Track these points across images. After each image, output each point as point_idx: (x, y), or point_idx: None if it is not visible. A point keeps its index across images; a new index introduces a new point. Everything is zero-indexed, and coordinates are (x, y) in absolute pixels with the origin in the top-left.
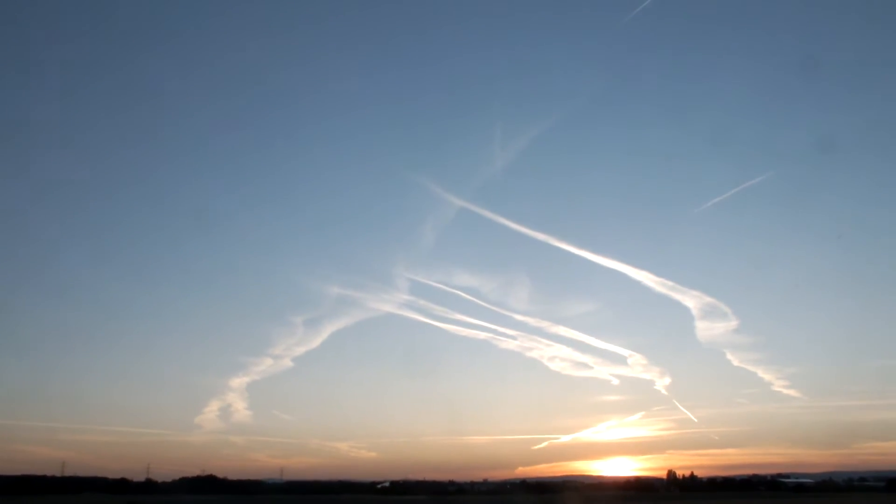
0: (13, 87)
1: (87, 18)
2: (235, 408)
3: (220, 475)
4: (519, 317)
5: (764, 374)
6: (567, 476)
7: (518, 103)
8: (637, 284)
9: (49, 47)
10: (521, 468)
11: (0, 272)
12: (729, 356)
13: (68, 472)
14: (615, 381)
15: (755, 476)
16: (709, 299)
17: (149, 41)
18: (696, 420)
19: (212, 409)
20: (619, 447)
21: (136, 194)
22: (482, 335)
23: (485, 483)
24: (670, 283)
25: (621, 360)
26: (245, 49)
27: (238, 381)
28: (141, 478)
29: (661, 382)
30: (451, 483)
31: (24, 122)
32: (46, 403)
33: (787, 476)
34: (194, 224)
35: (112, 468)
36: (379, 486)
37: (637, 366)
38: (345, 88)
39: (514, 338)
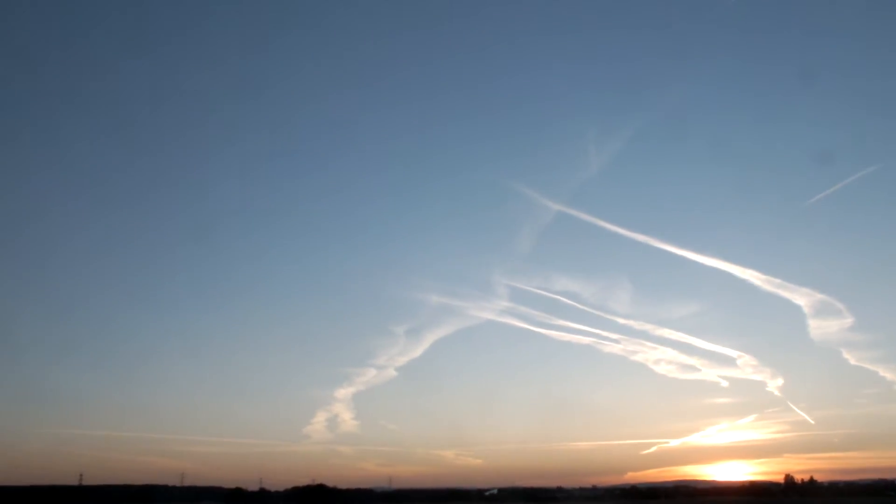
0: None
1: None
2: (342, 418)
3: (329, 484)
4: (622, 320)
5: (885, 373)
6: (678, 481)
7: (611, 103)
8: (743, 283)
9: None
10: (630, 473)
11: (108, 290)
12: (846, 355)
13: (187, 482)
14: (724, 384)
15: (881, 480)
16: (821, 296)
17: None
18: (812, 422)
19: (319, 420)
20: (731, 451)
21: (236, 218)
22: (585, 340)
23: (593, 489)
24: (778, 281)
25: (730, 362)
26: (339, 55)
27: (343, 392)
28: (254, 487)
29: (774, 384)
30: (559, 489)
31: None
32: (165, 416)
33: None
34: (300, 238)
35: (227, 478)
36: (486, 493)
37: (747, 367)
38: (438, 97)
39: (617, 342)
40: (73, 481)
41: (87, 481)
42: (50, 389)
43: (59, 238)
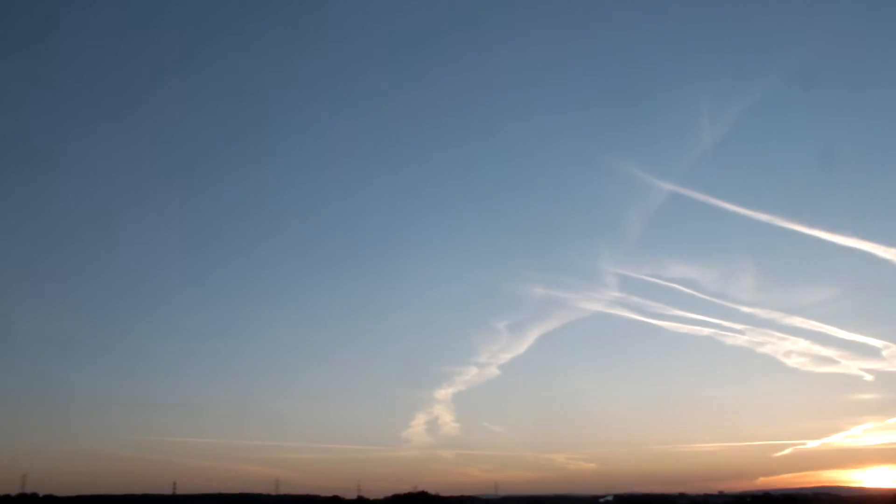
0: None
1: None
2: (443, 420)
3: (431, 491)
4: (746, 308)
5: None
6: (819, 487)
7: (725, 71)
8: (887, 264)
9: None
10: (762, 478)
11: (209, 299)
12: None
13: (282, 491)
14: (868, 377)
15: None
16: None
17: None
18: None
19: (419, 423)
20: (882, 454)
21: (332, 213)
22: (705, 331)
23: (720, 495)
24: None
25: (874, 353)
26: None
27: (443, 393)
28: (352, 495)
29: None
30: (682, 495)
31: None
32: (259, 422)
33: None
34: (396, 236)
35: (323, 485)
36: (601, 499)
37: (895, 358)
38: (538, 77)
39: (741, 332)
40: (167, 490)
41: (181, 490)
42: (145, 397)
43: (165, 252)
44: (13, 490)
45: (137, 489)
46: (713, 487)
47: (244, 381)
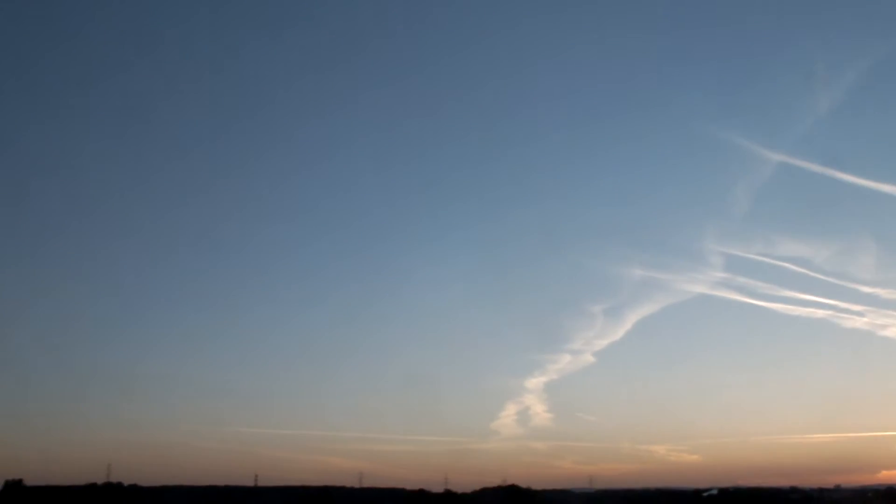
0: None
1: None
2: (534, 411)
3: (522, 485)
4: (866, 288)
5: None
6: None
7: (842, 29)
8: None
9: None
10: (884, 472)
11: (287, 290)
12: None
13: (366, 484)
14: None
15: None
16: None
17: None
18: None
19: (509, 414)
20: None
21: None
22: (820, 313)
23: (837, 489)
24: None
25: None
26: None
27: (535, 382)
28: (439, 488)
29: None
30: (794, 489)
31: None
32: (342, 413)
33: None
34: (485, 216)
35: (409, 479)
36: (705, 493)
37: None
38: (633, 40)
39: (860, 314)
40: (249, 482)
41: (263, 482)
42: (227, 388)
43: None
44: (99, 479)
45: (220, 481)
46: (829, 481)
47: (327, 371)
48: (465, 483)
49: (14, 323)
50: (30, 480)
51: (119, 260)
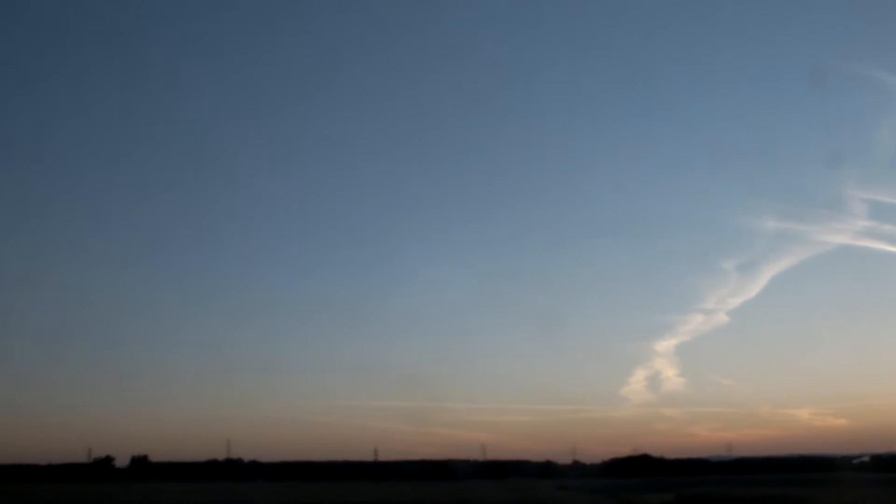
0: None
1: None
2: (665, 375)
3: (654, 454)
4: None
5: None
6: None
7: None
8: None
9: None
10: None
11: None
12: None
13: (490, 456)
14: None
15: None
16: None
17: None
18: None
19: (638, 380)
20: None
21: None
22: None
23: None
24: None
25: None
26: None
27: (665, 345)
28: (567, 459)
29: None
30: None
31: None
32: (463, 384)
33: None
34: (606, 168)
35: (535, 450)
36: (855, 460)
37: None
38: None
39: None
40: (369, 456)
41: (383, 456)
42: (345, 362)
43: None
44: (220, 455)
45: (339, 456)
46: None
47: (446, 342)
48: (593, 453)
49: (132, 304)
50: (154, 457)
51: (241, 250)
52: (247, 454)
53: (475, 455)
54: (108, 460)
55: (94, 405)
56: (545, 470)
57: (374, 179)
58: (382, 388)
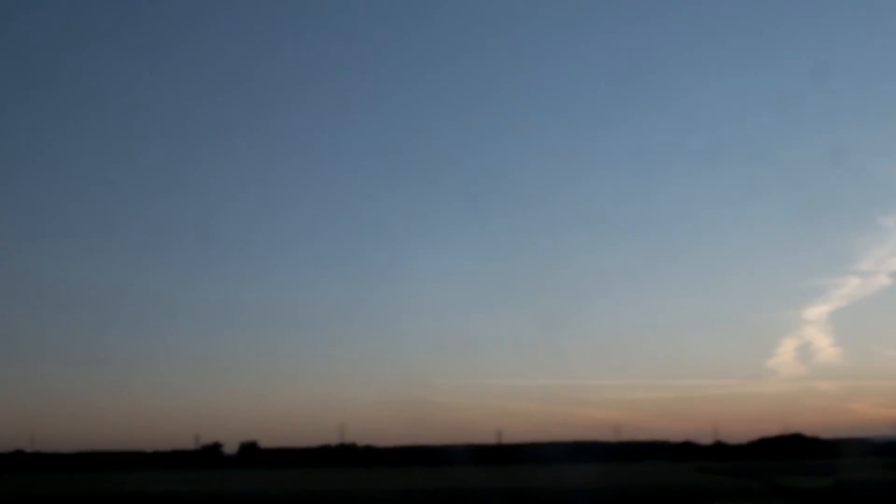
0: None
1: None
2: (817, 345)
3: (807, 433)
4: None
5: None
6: None
7: None
8: None
9: None
10: None
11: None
12: None
13: (623, 437)
14: None
15: None
16: None
17: None
18: None
19: (786, 350)
20: None
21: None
22: None
23: None
24: None
25: None
26: None
27: (816, 312)
28: (708, 439)
29: None
30: None
31: None
32: (592, 359)
33: None
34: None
35: (674, 429)
36: None
37: None
38: None
39: None
40: (491, 439)
41: (507, 438)
42: (464, 337)
43: None
44: (333, 441)
45: (460, 439)
46: None
47: (575, 312)
48: (738, 432)
49: (238, 286)
50: (264, 443)
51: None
52: (361, 439)
53: (607, 436)
54: (215, 447)
55: (201, 390)
56: (684, 451)
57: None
58: (506, 365)
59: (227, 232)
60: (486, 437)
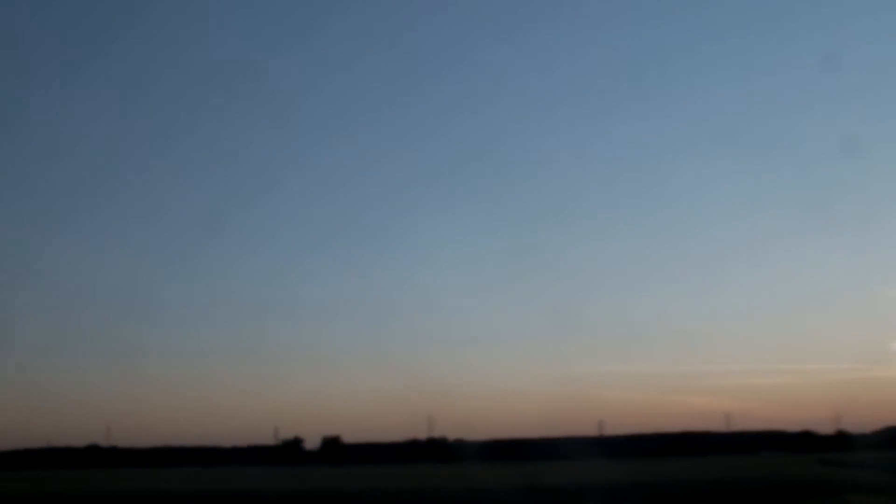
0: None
1: None
2: None
3: None
4: None
5: None
6: None
7: None
8: None
9: None
10: None
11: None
12: None
13: (734, 427)
14: None
15: None
16: None
17: None
18: None
19: None
20: None
21: None
22: None
23: None
24: None
25: None
26: None
27: None
28: (829, 429)
29: None
30: None
31: None
32: (706, 343)
33: None
34: None
35: (790, 418)
36: None
37: None
38: None
39: None
40: (592, 430)
41: (609, 430)
42: (559, 322)
43: None
44: (421, 435)
45: (558, 431)
46: None
47: (682, 292)
48: (863, 421)
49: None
50: (348, 438)
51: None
52: (452, 433)
53: (718, 426)
54: (296, 442)
55: (279, 382)
56: (802, 441)
57: None
58: (607, 351)
59: (324, 227)
60: (586, 428)
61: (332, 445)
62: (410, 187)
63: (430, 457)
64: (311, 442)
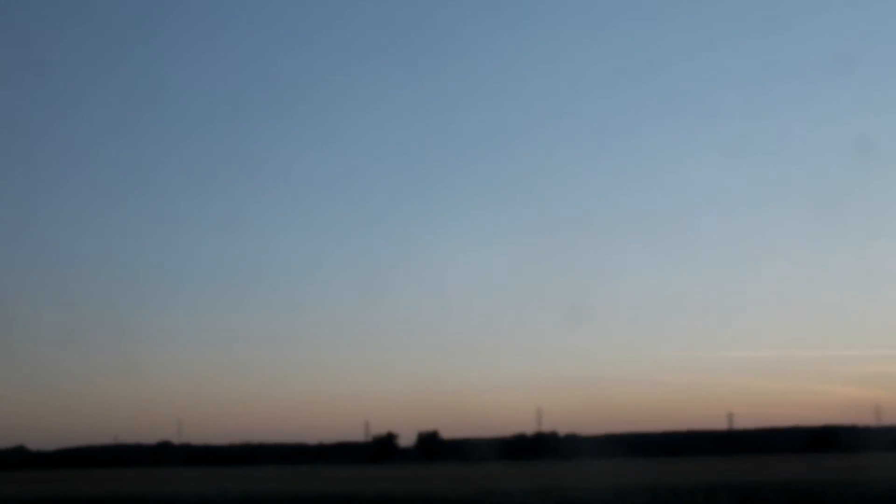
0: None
1: None
2: None
3: None
4: None
5: None
6: None
7: None
8: None
9: None
10: None
11: None
12: None
13: (887, 420)
14: None
15: None
16: None
17: None
18: None
19: None
20: None
21: None
22: None
23: None
24: None
25: None
26: None
27: None
28: None
29: None
30: None
31: None
32: (850, 325)
33: None
34: None
35: None
36: None
37: None
38: None
39: None
40: (721, 424)
41: (740, 423)
42: (684, 305)
43: None
44: (529, 429)
45: (681, 425)
46: None
47: (821, 270)
48: None
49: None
50: (446, 433)
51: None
52: (563, 427)
53: (865, 419)
54: (389, 438)
55: (370, 375)
56: None
57: None
58: (736, 335)
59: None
60: (714, 421)
61: (429, 441)
62: None
63: (539, 453)
64: (406, 438)
